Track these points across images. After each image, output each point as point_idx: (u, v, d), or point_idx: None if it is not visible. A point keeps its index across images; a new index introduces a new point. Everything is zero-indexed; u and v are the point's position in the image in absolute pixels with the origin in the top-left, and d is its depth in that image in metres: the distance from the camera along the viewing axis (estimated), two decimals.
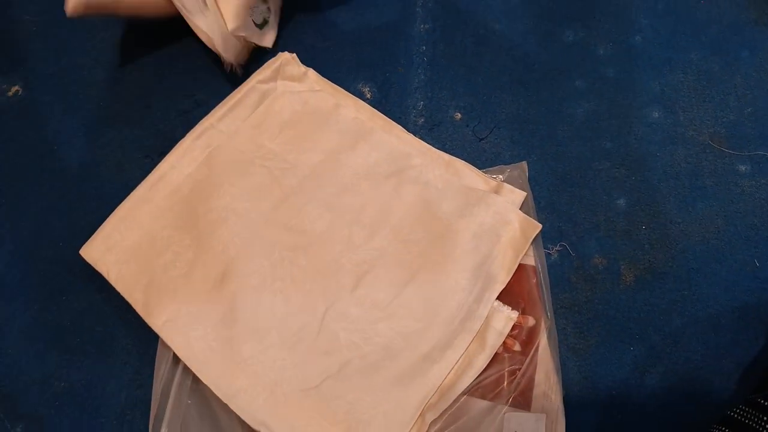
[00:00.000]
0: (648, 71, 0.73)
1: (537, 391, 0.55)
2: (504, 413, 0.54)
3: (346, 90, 0.70)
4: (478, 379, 0.55)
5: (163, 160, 0.64)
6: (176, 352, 0.56)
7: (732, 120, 0.70)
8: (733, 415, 0.50)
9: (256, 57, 0.72)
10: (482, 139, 0.69)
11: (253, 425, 0.53)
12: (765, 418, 0.47)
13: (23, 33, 0.75)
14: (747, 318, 0.60)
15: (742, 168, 0.67)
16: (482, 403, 0.55)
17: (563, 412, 0.55)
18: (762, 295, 0.61)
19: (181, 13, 0.66)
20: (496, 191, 0.63)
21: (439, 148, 0.67)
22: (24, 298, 0.61)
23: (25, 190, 0.66)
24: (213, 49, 0.68)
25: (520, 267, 0.60)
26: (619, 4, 0.78)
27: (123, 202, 0.62)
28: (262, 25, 0.70)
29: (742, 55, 0.74)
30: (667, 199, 0.66)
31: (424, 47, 0.75)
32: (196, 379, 0.55)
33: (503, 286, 0.58)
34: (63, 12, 0.76)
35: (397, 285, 0.58)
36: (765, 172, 0.67)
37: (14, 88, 0.72)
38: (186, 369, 0.55)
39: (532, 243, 0.61)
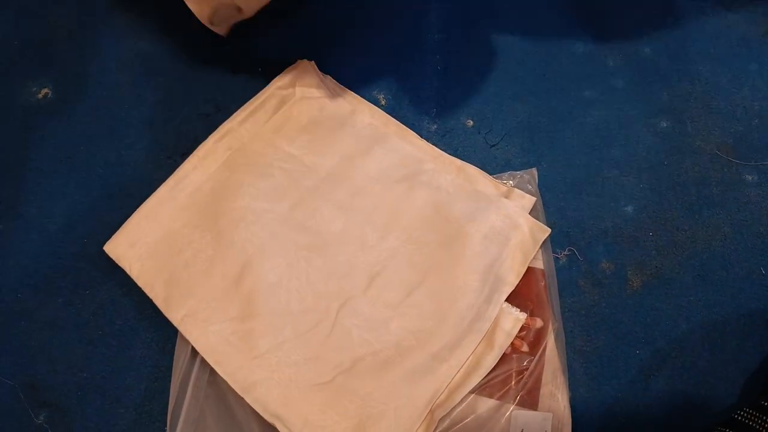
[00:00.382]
0: (657, 82, 0.75)
1: (544, 390, 0.56)
2: (511, 412, 0.55)
3: (361, 97, 0.72)
4: (487, 379, 0.57)
5: (185, 161, 0.66)
6: (194, 346, 0.57)
7: (740, 131, 0.72)
8: (737, 417, 0.51)
9: (278, 65, 0.75)
10: (493, 145, 0.71)
11: (268, 418, 0.54)
12: None
13: (54, 38, 0.78)
14: (752, 325, 0.61)
15: (749, 177, 0.69)
16: (490, 402, 0.56)
17: (570, 412, 0.56)
18: (767, 303, 0.62)
19: None
20: (507, 196, 0.65)
21: (451, 154, 0.69)
22: (50, 291, 0.63)
23: (52, 188, 0.68)
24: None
25: (529, 270, 0.61)
26: (629, 16, 0.80)
27: (146, 201, 0.64)
28: None
29: (750, 68, 0.76)
30: (674, 206, 0.67)
31: (437, 56, 0.77)
32: (213, 372, 0.57)
33: (512, 288, 0.59)
34: (91, 18, 0.80)
35: (409, 285, 0.60)
36: None
37: (44, 91, 0.75)
38: (204, 362, 0.57)
39: (541, 247, 0.62)
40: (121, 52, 0.77)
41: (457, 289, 0.59)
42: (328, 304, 0.59)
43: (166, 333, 0.60)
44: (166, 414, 0.56)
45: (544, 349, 0.58)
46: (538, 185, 0.68)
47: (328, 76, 0.73)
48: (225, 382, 0.56)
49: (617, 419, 0.58)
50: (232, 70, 0.76)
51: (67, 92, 0.75)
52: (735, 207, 0.67)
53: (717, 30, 0.78)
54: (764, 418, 0.49)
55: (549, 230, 0.62)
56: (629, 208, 0.67)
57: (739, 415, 0.51)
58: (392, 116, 0.71)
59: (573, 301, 0.63)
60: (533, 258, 0.62)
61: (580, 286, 0.63)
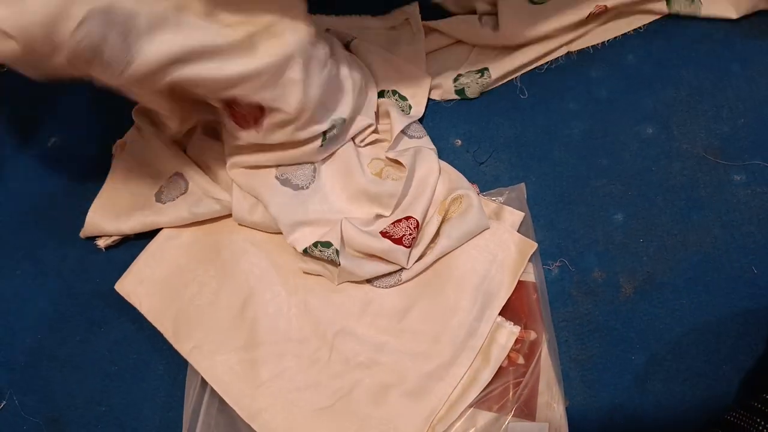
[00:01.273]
0: (641, 89, 0.76)
1: (540, 400, 0.58)
2: (508, 423, 0.57)
3: None
4: (485, 392, 0.58)
5: None
6: (203, 376, 0.60)
7: (726, 132, 0.72)
8: (729, 418, 0.52)
9: None
10: (482, 163, 0.73)
11: None
12: (759, 420, 0.49)
13: (61, 89, 0.83)
14: (746, 325, 0.62)
15: (737, 178, 0.69)
16: (488, 415, 0.58)
17: (566, 421, 0.57)
18: (760, 302, 0.63)
19: None
20: (497, 213, 0.67)
21: None
22: (67, 330, 0.67)
23: (64, 232, 0.72)
24: None
25: (521, 284, 0.63)
26: None
27: (152, 240, 0.67)
28: None
29: (733, 69, 0.76)
30: (664, 211, 0.68)
31: None
32: (222, 401, 0.60)
33: (503, 304, 0.61)
34: None
35: (401, 310, 0.62)
36: (760, 181, 0.69)
37: (52, 139, 0.79)
38: (213, 391, 0.60)
39: (531, 260, 0.64)
40: (124, 101, 0.81)
41: (448, 310, 0.61)
42: (325, 331, 0.61)
43: (177, 364, 0.63)
44: None
45: (539, 360, 0.59)
46: (528, 199, 0.69)
47: None
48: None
49: (615, 425, 0.59)
50: None
51: (73, 139, 0.79)
52: (724, 208, 0.68)
53: (698, 33, 0.79)
54: (755, 418, 0.50)
55: (536, 245, 0.64)
56: (619, 216, 0.68)
57: (731, 416, 0.52)
58: None
59: (567, 311, 0.64)
60: (524, 272, 0.63)
61: (573, 295, 0.65)
